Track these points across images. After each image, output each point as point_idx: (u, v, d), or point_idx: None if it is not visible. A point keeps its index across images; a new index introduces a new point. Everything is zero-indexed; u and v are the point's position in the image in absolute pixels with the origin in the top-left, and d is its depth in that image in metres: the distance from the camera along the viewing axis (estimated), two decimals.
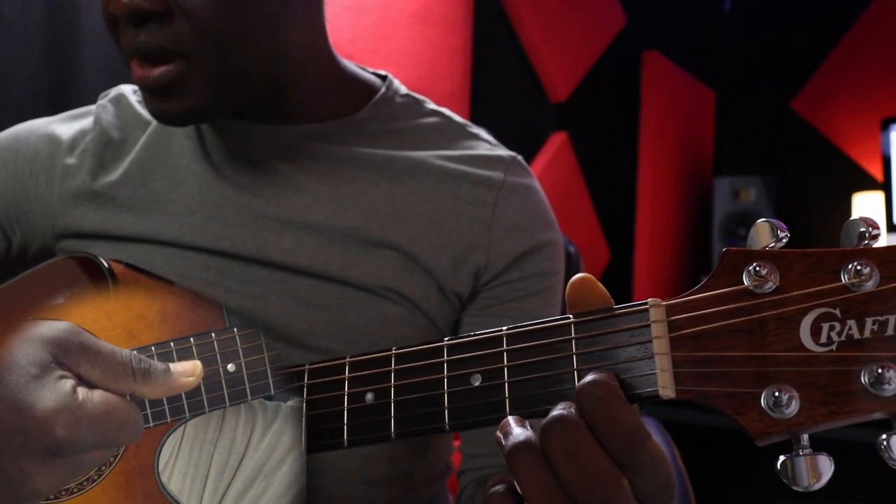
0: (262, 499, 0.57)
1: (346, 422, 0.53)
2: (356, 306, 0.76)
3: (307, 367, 0.55)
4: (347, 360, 0.54)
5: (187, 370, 0.53)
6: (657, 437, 1.15)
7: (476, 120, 0.92)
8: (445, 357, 0.50)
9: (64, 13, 1.35)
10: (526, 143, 2.39)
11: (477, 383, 0.49)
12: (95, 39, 1.38)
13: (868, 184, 2.74)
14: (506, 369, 0.48)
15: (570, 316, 0.47)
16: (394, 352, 0.52)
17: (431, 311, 0.78)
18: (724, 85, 3.20)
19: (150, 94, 0.71)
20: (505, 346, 0.48)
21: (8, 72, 1.28)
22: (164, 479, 0.57)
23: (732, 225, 2.79)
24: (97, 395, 0.49)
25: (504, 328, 0.49)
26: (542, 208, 0.84)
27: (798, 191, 2.87)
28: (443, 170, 0.81)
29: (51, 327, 0.51)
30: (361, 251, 0.77)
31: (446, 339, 0.51)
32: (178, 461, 0.58)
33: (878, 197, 2.52)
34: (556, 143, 2.45)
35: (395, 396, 0.51)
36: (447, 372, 0.50)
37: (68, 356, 0.50)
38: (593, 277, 0.47)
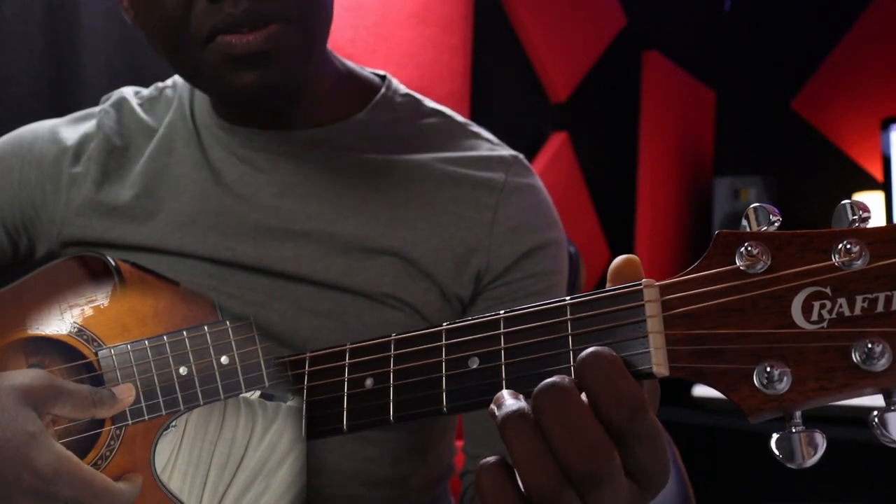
0: (262, 498, 0.57)
1: (345, 406, 0.53)
2: (357, 313, 0.76)
3: (308, 354, 0.56)
4: (348, 346, 0.55)
5: (124, 392, 0.59)
6: None
7: (476, 120, 0.91)
8: (444, 341, 0.51)
9: (64, 13, 1.35)
10: (526, 143, 2.39)
11: (475, 366, 0.50)
12: (95, 39, 1.38)
13: (868, 184, 2.74)
14: (503, 351, 0.49)
15: (566, 298, 0.48)
16: (393, 337, 0.53)
17: (433, 316, 0.78)
18: (724, 85, 3.19)
19: (245, 61, 0.68)
20: (502, 329, 0.49)
21: (8, 72, 1.28)
22: (164, 478, 0.57)
23: (732, 225, 2.79)
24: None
25: (502, 311, 0.50)
26: (545, 207, 0.84)
27: (798, 191, 2.87)
28: (443, 173, 0.80)
29: (25, 376, 0.56)
30: (362, 258, 0.76)
31: (445, 323, 0.52)
32: (178, 460, 0.58)
33: (878, 197, 2.52)
34: (556, 143, 2.45)
35: (394, 381, 0.52)
36: (445, 355, 0.51)
37: (46, 404, 0.55)
38: (638, 259, 0.48)
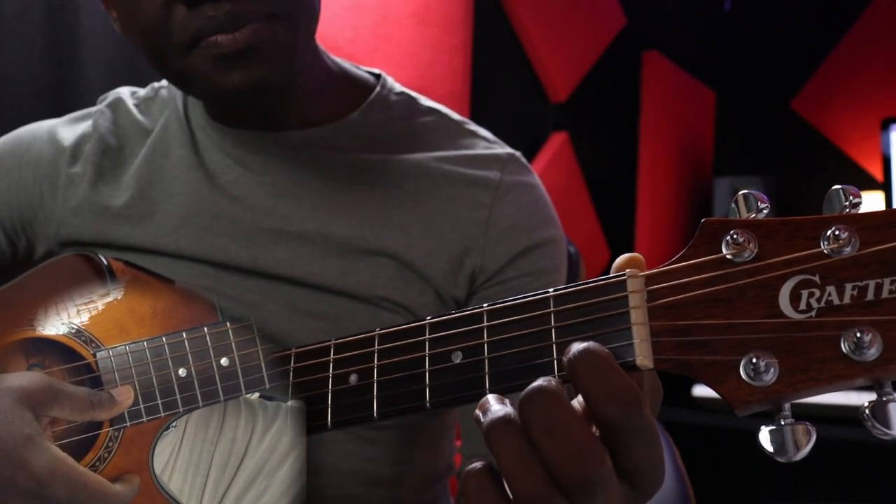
0: (262, 498, 0.57)
1: (329, 403, 0.53)
2: (352, 315, 0.75)
3: (293, 350, 0.56)
4: (332, 342, 0.54)
5: (123, 394, 0.58)
6: None
7: (476, 120, 0.91)
8: (427, 335, 0.50)
9: (64, 13, 1.35)
10: (526, 143, 2.39)
11: (458, 360, 0.49)
12: (95, 39, 1.38)
13: (868, 184, 2.74)
14: (486, 345, 0.48)
15: (549, 290, 0.47)
16: (378, 332, 0.52)
17: None
18: (724, 85, 3.19)
19: (232, 59, 0.67)
20: (485, 322, 0.48)
21: (8, 72, 1.28)
22: (164, 478, 0.57)
23: None
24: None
25: (485, 305, 0.49)
26: (541, 205, 0.83)
27: (798, 191, 2.87)
28: (438, 172, 0.80)
29: (23, 378, 0.56)
30: (356, 260, 0.76)
31: (428, 317, 0.51)
32: (178, 461, 0.58)
33: (878, 197, 2.52)
34: (556, 143, 2.45)
35: (378, 377, 0.51)
36: (429, 350, 0.50)
37: (44, 407, 0.55)
38: (642, 259, 0.46)
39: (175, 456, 0.58)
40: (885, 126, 2.45)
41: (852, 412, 1.84)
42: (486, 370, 0.48)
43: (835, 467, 2.18)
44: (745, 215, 0.43)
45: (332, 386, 0.53)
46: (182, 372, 0.58)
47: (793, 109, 3.00)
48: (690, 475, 1.11)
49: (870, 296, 0.39)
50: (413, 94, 0.87)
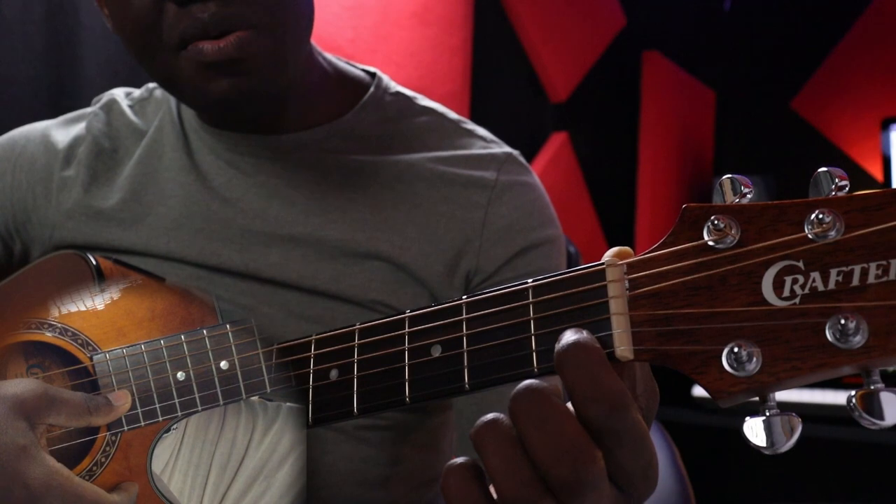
0: (262, 499, 0.57)
1: (311, 400, 0.52)
2: (346, 319, 0.75)
3: (275, 346, 0.55)
4: (313, 337, 0.53)
5: (120, 398, 0.58)
6: (657, 437, 1.15)
7: (476, 120, 0.91)
8: (407, 329, 0.49)
9: (64, 13, 1.35)
10: (526, 142, 2.39)
11: (437, 354, 0.48)
12: (95, 39, 1.38)
13: (868, 184, 2.74)
14: (465, 338, 0.47)
15: (528, 280, 0.46)
16: (358, 327, 0.52)
17: None
18: (724, 85, 3.19)
19: (217, 68, 0.67)
20: (464, 315, 0.47)
21: (8, 72, 1.28)
22: (164, 479, 0.57)
23: None
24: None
25: (464, 297, 0.48)
26: (539, 205, 0.82)
27: (798, 191, 2.86)
28: (433, 173, 0.79)
29: (18, 386, 0.55)
30: (350, 263, 0.75)
31: (408, 310, 0.50)
32: (178, 461, 0.58)
33: None
34: (556, 143, 2.45)
35: (358, 372, 0.50)
36: (408, 344, 0.49)
37: (39, 415, 0.55)
38: (630, 251, 0.45)
39: (175, 457, 0.58)
40: (885, 126, 2.45)
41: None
42: (465, 363, 0.46)
43: (835, 467, 2.17)
44: (729, 200, 0.41)
45: (314, 382, 0.52)
46: (180, 376, 0.57)
47: (793, 109, 3.00)
48: (690, 475, 1.11)
49: (855, 281, 0.37)
50: (410, 93, 0.86)
